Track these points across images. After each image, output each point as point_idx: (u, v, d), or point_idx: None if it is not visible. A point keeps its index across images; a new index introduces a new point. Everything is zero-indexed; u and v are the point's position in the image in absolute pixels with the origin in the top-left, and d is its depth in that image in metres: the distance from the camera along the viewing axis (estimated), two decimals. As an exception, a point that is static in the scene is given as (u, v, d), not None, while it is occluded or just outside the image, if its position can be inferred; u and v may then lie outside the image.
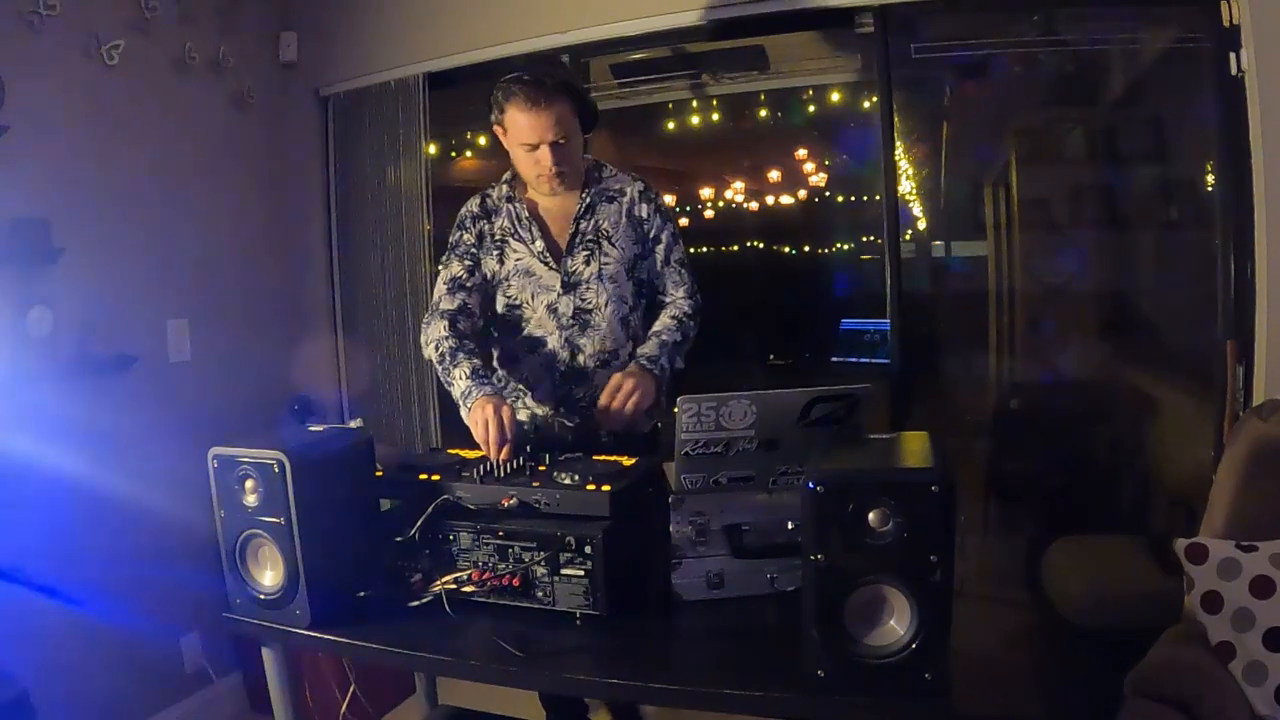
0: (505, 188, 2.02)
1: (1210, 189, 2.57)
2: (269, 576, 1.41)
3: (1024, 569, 2.95)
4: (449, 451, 1.76)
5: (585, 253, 1.95)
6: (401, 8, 3.03)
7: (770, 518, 1.44)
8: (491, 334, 2.05)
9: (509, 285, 1.98)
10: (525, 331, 1.98)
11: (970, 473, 3.34)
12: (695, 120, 3.71)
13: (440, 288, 1.99)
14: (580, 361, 1.94)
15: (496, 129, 1.93)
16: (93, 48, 2.45)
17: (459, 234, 2.02)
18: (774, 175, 5.17)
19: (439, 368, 1.87)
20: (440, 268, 2.02)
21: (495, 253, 1.99)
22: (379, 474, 1.57)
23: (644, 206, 1.99)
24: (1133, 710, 1.62)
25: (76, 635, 2.34)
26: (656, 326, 1.97)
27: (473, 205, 2.04)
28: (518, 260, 1.97)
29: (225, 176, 2.92)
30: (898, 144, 2.70)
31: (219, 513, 1.41)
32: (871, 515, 1.10)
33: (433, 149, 3.05)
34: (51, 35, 2.34)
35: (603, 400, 1.78)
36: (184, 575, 2.50)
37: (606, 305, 1.94)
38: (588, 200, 1.97)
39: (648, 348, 1.91)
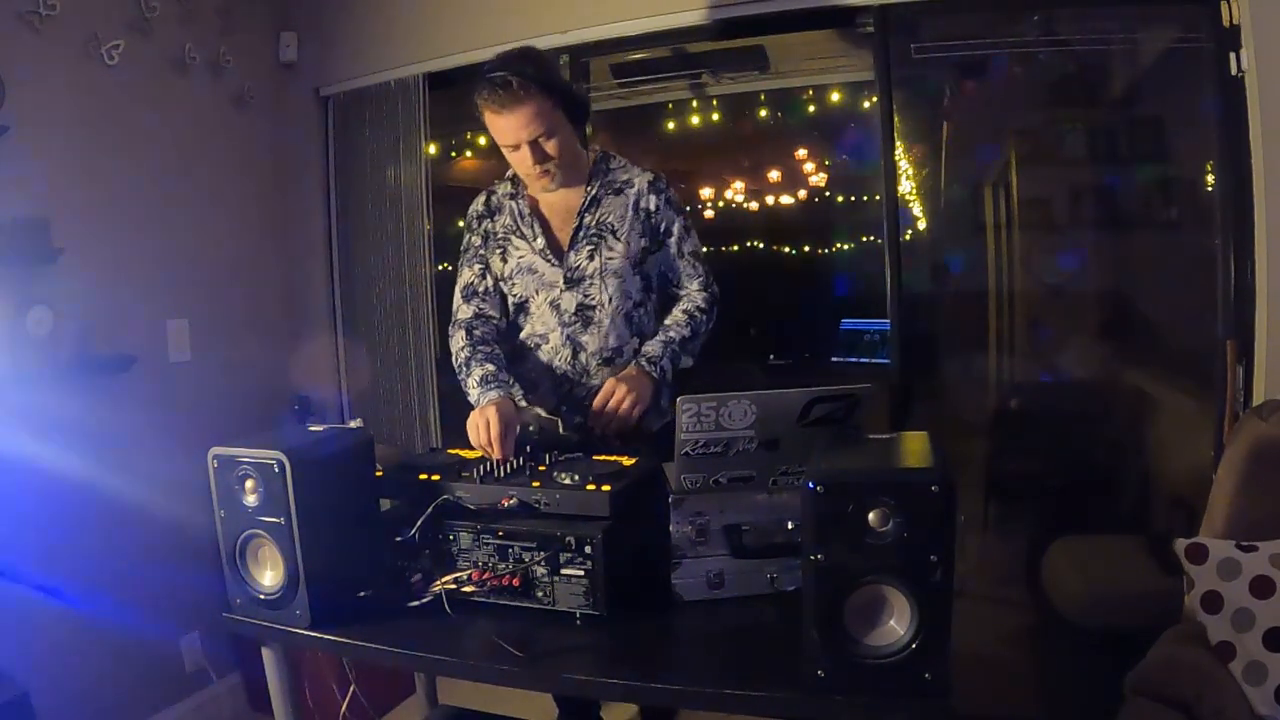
0: (509, 184, 2.01)
1: (1210, 189, 2.57)
2: (269, 576, 1.41)
3: (1024, 569, 2.95)
4: (449, 451, 1.77)
5: (589, 247, 1.92)
6: (401, 8, 3.03)
7: (770, 518, 1.44)
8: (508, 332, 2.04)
9: (513, 284, 1.97)
10: (528, 329, 1.97)
11: (970, 473, 3.34)
12: (695, 120, 3.71)
13: (457, 296, 2.00)
14: (582, 360, 1.93)
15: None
16: (93, 48, 2.45)
17: (468, 237, 2.03)
18: (774, 175, 5.17)
19: (459, 378, 1.88)
20: (458, 273, 2.02)
21: (499, 251, 1.98)
22: (379, 474, 1.57)
23: (652, 198, 1.95)
24: (1133, 710, 1.62)
25: (76, 635, 2.34)
26: (667, 321, 1.95)
27: (477, 205, 2.04)
28: (520, 258, 1.96)
29: (225, 176, 2.92)
30: (898, 144, 2.69)
31: (219, 513, 1.41)
32: (871, 515, 1.10)
33: (433, 149, 3.05)
34: (51, 35, 2.34)
35: (596, 403, 1.79)
36: (184, 575, 2.51)
37: (610, 301, 1.91)
38: (593, 194, 1.94)
39: (651, 347, 1.89)
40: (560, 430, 1.85)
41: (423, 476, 1.55)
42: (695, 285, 1.98)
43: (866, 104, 3.53)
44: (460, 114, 3.42)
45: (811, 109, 3.90)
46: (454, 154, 4.12)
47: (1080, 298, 3.56)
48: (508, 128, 1.81)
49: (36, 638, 2.23)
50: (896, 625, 1.12)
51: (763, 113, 4.06)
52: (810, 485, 1.12)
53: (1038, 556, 2.79)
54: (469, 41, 2.90)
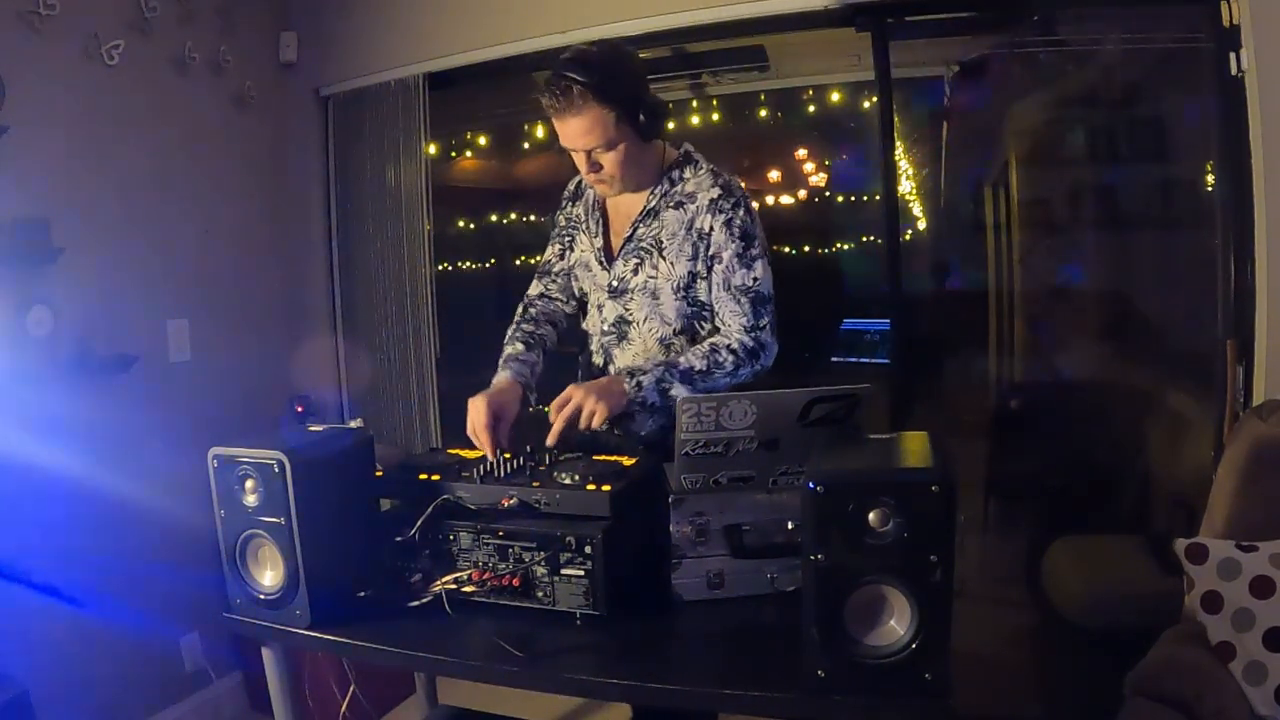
0: None
1: (1210, 189, 2.56)
2: (269, 576, 1.41)
3: (1024, 569, 2.95)
4: (449, 451, 1.76)
5: (635, 261, 1.80)
6: (401, 8, 3.03)
7: (770, 518, 1.44)
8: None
9: (576, 276, 1.94)
10: (585, 324, 1.94)
11: (970, 473, 3.34)
12: (695, 120, 3.70)
13: (537, 271, 1.98)
14: (610, 373, 1.84)
15: None
16: (93, 48, 2.45)
17: (557, 214, 1.99)
18: (774, 175, 5.16)
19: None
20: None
21: (568, 239, 1.95)
22: (379, 474, 1.57)
23: (709, 218, 1.73)
24: (1133, 710, 1.62)
25: (76, 635, 2.34)
26: (692, 348, 1.75)
27: (570, 185, 1.98)
28: (581, 252, 1.91)
29: (225, 176, 2.92)
30: (898, 144, 2.69)
31: (219, 513, 1.41)
32: (871, 515, 1.10)
33: (433, 149, 3.05)
34: (51, 35, 2.34)
35: (551, 409, 1.64)
36: (184, 575, 2.51)
37: (644, 322, 1.80)
38: (652, 204, 1.79)
39: (644, 363, 1.73)
40: (614, 431, 1.77)
41: (423, 476, 1.54)
42: (736, 325, 1.73)
43: (866, 104, 3.52)
44: (460, 114, 3.43)
45: (811, 109, 3.90)
46: (454, 154, 4.12)
47: (1080, 298, 3.56)
48: (565, 133, 1.71)
49: (36, 638, 2.23)
50: (896, 625, 1.12)
51: (763, 113, 4.06)
52: (810, 485, 1.12)
53: (1038, 556, 2.79)
54: (469, 41, 2.91)
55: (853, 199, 5.03)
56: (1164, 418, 2.97)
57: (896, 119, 2.64)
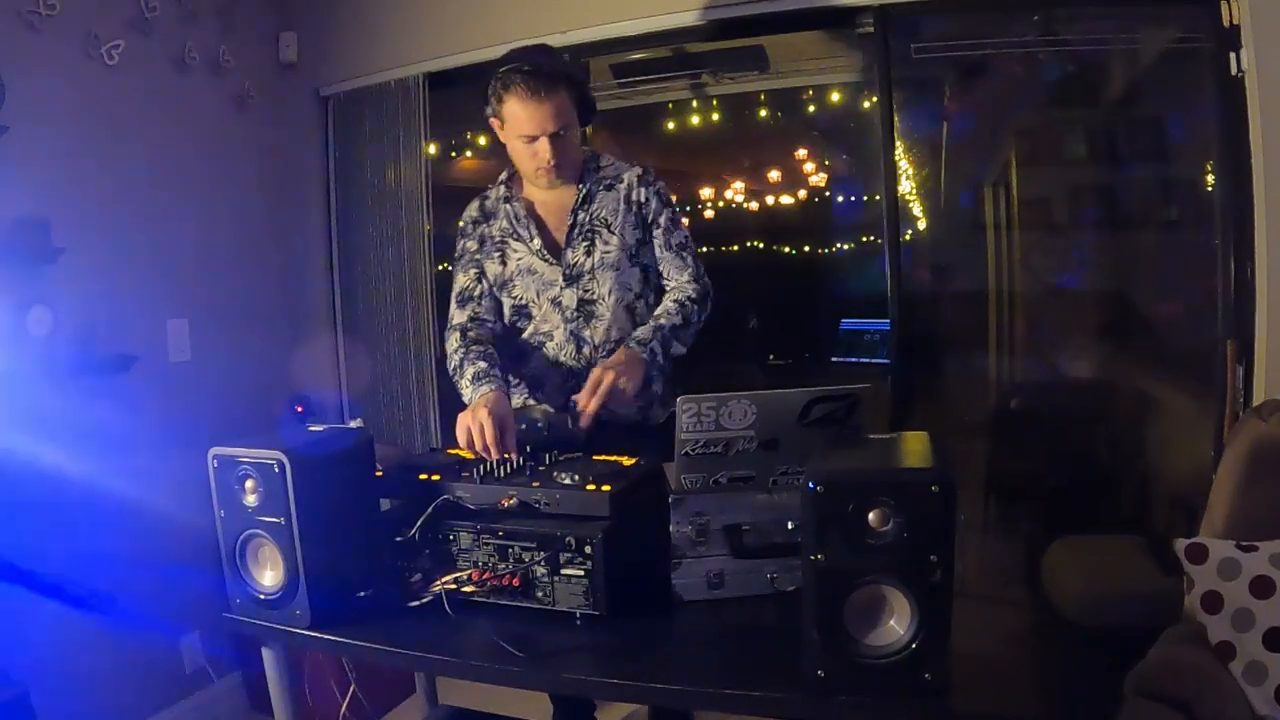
0: (502, 188, 2.03)
1: (1210, 189, 2.57)
2: (269, 576, 1.41)
3: (1024, 569, 2.95)
4: (449, 451, 1.77)
5: (585, 243, 1.94)
6: (401, 8, 3.03)
7: (770, 518, 1.44)
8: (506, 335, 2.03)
9: (514, 286, 1.98)
10: (532, 329, 1.98)
11: (970, 473, 3.34)
12: (695, 120, 3.70)
13: (452, 303, 2.01)
14: (585, 353, 1.94)
15: (493, 121, 1.90)
16: (93, 48, 2.45)
17: (462, 242, 2.04)
18: (774, 175, 5.16)
19: (454, 381, 1.89)
20: (452, 279, 2.03)
21: (496, 255, 1.99)
22: (379, 474, 1.57)
23: (641, 190, 1.97)
24: (1133, 710, 1.62)
25: (76, 635, 2.34)
26: (657, 310, 1.95)
27: (471, 210, 2.05)
28: (519, 260, 1.97)
29: (225, 176, 2.92)
30: (898, 144, 2.69)
31: (219, 513, 1.41)
32: (871, 515, 1.10)
33: (433, 149, 3.05)
34: (51, 35, 2.34)
35: (581, 397, 1.73)
36: (184, 575, 2.50)
37: (610, 294, 1.93)
38: (585, 190, 1.96)
39: (641, 331, 1.89)
40: (569, 425, 1.82)
41: (423, 476, 1.55)
42: (685, 277, 1.98)
43: (866, 104, 3.52)
44: (460, 114, 3.43)
45: (811, 109, 3.90)
46: (454, 154, 4.12)
47: (1080, 298, 3.56)
48: (535, 117, 1.81)
49: (36, 637, 2.23)
50: (896, 625, 1.12)
51: (763, 113, 4.06)
52: (810, 485, 1.12)
53: (1038, 556, 2.79)
54: (469, 41, 2.91)
55: (853, 199, 5.03)
56: (1164, 418, 2.97)
57: (896, 119, 2.64)
